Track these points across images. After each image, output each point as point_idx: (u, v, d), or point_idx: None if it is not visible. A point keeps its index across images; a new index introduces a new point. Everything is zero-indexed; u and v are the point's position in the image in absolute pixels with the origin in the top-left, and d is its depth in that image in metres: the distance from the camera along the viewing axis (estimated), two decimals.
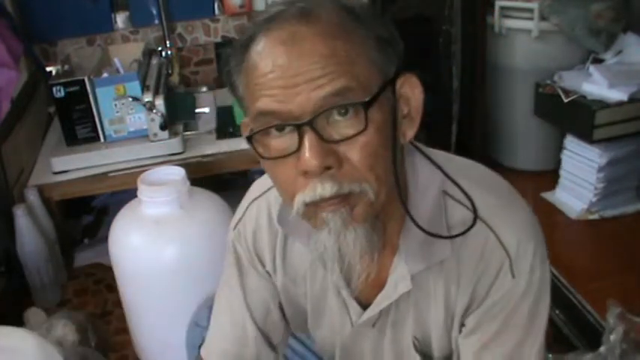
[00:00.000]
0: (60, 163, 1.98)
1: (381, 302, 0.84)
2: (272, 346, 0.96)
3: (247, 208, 0.93)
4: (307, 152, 0.66)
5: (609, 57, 2.11)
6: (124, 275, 1.57)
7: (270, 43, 0.67)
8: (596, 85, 1.97)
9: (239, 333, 0.95)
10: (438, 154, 0.84)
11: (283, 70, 0.65)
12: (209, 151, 2.06)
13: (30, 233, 1.84)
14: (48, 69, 2.36)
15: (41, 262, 1.88)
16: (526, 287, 0.79)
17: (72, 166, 1.99)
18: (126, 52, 2.23)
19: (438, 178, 0.80)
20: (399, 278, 0.81)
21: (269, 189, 0.90)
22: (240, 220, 0.94)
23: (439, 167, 0.81)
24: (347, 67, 0.66)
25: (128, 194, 1.65)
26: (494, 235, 0.78)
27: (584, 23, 2.08)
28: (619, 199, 2.05)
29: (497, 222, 0.78)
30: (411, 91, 0.73)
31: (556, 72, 2.13)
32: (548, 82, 2.12)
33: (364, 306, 0.86)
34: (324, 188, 0.67)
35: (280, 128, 0.68)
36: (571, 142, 2.07)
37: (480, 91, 2.34)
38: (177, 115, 2.18)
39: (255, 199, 0.93)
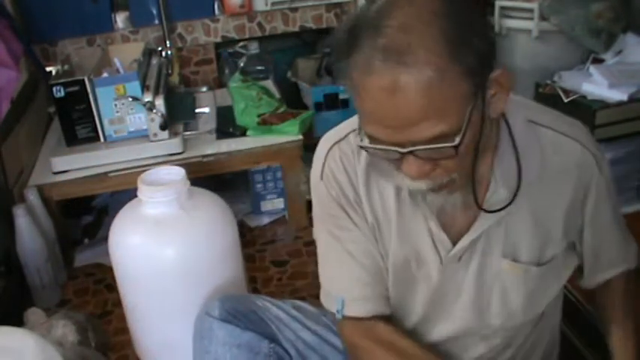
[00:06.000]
0: (60, 163, 1.99)
1: (475, 230, 0.94)
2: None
3: (327, 155, 1.01)
4: (407, 167, 0.81)
5: (609, 57, 2.11)
6: (124, 275, 1.57)
7: (372, 84, 0.76)
8: (596, 85, 1.96)
9: (374, 268, 1.00)
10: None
11: (386, 115, 0.77)
12: (209, 151, 2.06)
13: (30, 233, 1.84)
14: (48, 69, 2.36)
15: (41, 262, 1.88)
16: (608, 178, 1.02)
17: (72, 166, 1.99)
18: (126, 52, 2.23)
19: (522, 110, 0.95)
20: (494, 203, 0.91)
21: (344, 136, 1.00)
22: (323, 168, 1.00)
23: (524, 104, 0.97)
24: (442, 116, 0.76)
25: (128, 194, 1.65)
26: (582, 145, 0.95)
27: (584, 23, 2.08)
28: (619, 199, 2.03)
29: (580, 136, 0.96)
30: (500, 86, 0.83)
31: (556, 72, 2.12)
32: (548, 82, 2.11)
33: (453, 241, 0.95)
34: (421, 185, 0.84)
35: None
36: None
37: None
38: (177, 115, 2.18)
39: (331, 147, 1.00)
